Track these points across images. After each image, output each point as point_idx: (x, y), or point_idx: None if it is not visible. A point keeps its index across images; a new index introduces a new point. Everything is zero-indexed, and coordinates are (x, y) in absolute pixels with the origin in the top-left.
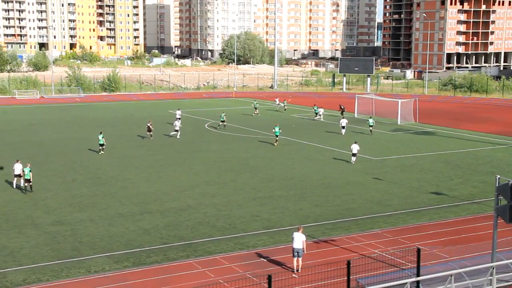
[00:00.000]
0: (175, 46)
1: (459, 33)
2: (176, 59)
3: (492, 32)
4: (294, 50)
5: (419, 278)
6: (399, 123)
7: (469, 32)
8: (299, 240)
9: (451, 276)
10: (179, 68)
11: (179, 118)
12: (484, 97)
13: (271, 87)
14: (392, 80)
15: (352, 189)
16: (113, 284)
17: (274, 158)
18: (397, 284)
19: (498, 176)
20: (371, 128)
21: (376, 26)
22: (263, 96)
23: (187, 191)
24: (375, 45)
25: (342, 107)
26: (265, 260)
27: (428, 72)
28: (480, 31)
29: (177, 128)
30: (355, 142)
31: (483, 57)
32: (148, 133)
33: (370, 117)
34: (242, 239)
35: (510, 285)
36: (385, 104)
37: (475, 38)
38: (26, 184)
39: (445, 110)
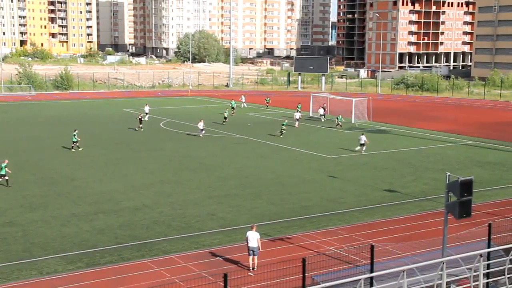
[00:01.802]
0: (130, 44)
1: (410, 33)
2: (131, 57)
3: (442, 33)
4: (250, 48)
5: (372, 275)
6: (353, 122)
7: (420, 32)
8: (253, 238)
9: (403, 271)
10: (133, 66)
11: (147, 113)
12: (435, 96)
13: (227, 85)
14: (346, 79)
15: (307, 187)
16: (66, 286)
17: (230, 157)
18: (351, 281)
19: (448, 173)
20: (340, 123)
21: (330, 26)
22: (218, 94)
23: (142, 190)
24: (330, 45)
25: (324, 108)
26: (221, 259)
27: (381, 71)
28: (431, 31)
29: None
30: (362, 134)
31: (433, 57)
32: (139, 125)
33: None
34: (198, 238)
35: (460, 279)
36: (339, 103)
37: (426, 38)
38: (0, 179)
39: (398, 108)
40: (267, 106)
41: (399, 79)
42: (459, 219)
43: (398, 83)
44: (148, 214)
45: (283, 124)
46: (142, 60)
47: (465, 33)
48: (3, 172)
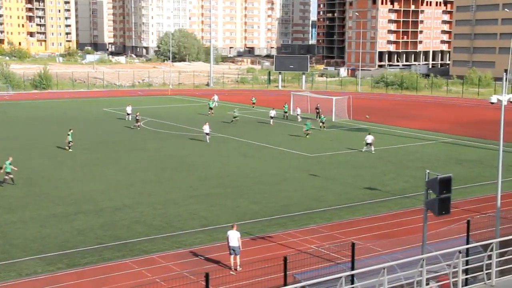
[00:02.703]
0: (109, 43)
1: (390, 32)
2: (110, 56)
3: (421, 32)
4: (230, 47)
5: (353, 272)
6: (333, 120)
7: (399, 31)
8: (234, 238)
9: (383, 269)
10: (113, 65)
11: (129, 114)
12: (414, 94)
13: (207, 84)
14: (327, 77)
15: (288, 186)
16: (46, 287)
17: (211, 156)
18: (333, 278)
19: (428, 171)
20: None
21: (310, 25)
22: (199, 93)
23: (123, 190)
24: (310, 43)
25: (318, 108)
26: (202, 258)
27: (361, 70)
28: (410, 30)
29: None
30: (369, 133)
31: (413, 56)
32: (136, 124)
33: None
34: (179, 238)
35: (439, 276)
36: (319, 101)
37: (405, 37)
38: (6, 177)
39: (378, 107)
40: (253, 106)
41: (379, 77)
42: (438, 216)
43: (378, 82)
44: (128, 214)
45: (306, 124)
46: (122, 59)
47: (443, 32)
48: (8, 170)
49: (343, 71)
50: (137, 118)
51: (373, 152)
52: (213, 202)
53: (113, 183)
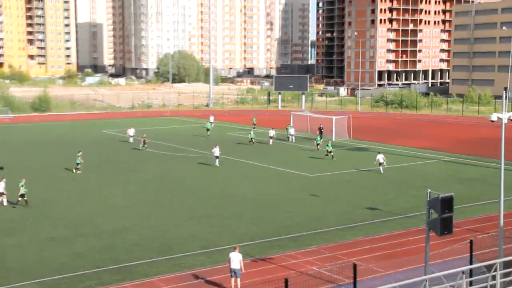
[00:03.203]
0: (109, 65)
1: (389, 51)
2: (110, 78)
3: (420, 50)
4: (229, 68)
5: None
6: (333, 140)
7: (399, 50)
8: (236, 260)
9: None
10: (113, 87)
11: (132, 135)
12: (414, 113)
13: (207, 105)
14: (326, 97)
15: (289, 206)
16: None
17: (211, 177)
18: None
19: (429, 190)
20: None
21: (309, 44)
22: (199, 114)
23: (122, 212)
24: (309, 63)
25: (321, 128)
26: (203, 281)
27: (361, 89)
28: (409, 49)
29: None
30: (379, 153)
31: (412, 74)
32: (144, 145)
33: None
34: (179, 260)
35: None
36: (319, 121)
37: (404, 56)
38: (19, 199)
39: (378, 126)
40: (254, 127)
41: (379, 96)
42: (440, 236)
43: (378, 101)
44: (128, 236)
45: (328, 146)
46: (121, 80)
47: (442, 50)
48: (23, 192)
49: (342, 91)
50: (144, 140)
51: (381, 172)
52: (213, 223)
53: (113, 205)
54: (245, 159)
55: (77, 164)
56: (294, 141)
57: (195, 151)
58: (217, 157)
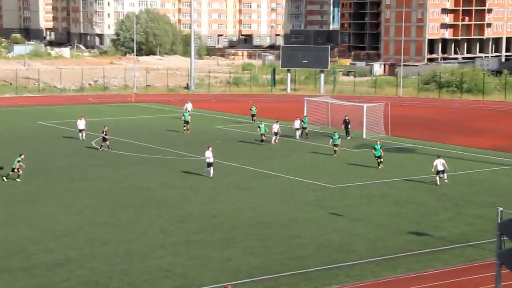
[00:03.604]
0: (47, 29)
1: (444, 11)
2: (49, 47)
3: (490, 10)
4: (219, 35)
5: None
6: (364, 137)
7: (459, 9)
8: None
9: None
10: (53, 61)
11: (83, 129)
12: (480, 99)
13: (187, 87)
14: (355, 77)
15: (301, 230)
16: None
17: (192, 188)
18: None
19: (500, 208)
20: (335, 148)
21: (332, 3)
22: (175, 100)
23: (66, 238)
24: (331, 29)
25: (347, 120)
26: None
27: (404, 65)
28: (474, 8)
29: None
30: (438, 157)
31: (478, 45)
32: (103, 143)
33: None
34: None
35: None
36: (345, 111)
37: (466, 18)
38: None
39: (428, 118)
40: (253, 119)
41: (429, 76)
42: None
43: (428, 82)
44: (74, 271)
45: (375, 148)
46: (65, 51)
47: None
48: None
49: (377, 68)
50: (104, 135)
51: (446, 180)
52: (194, 253)
53: (52, 228)
54: (240, 162)
55: (13, 169)
56: (299, 138)
57: (170, 151)
58: (209, 164)
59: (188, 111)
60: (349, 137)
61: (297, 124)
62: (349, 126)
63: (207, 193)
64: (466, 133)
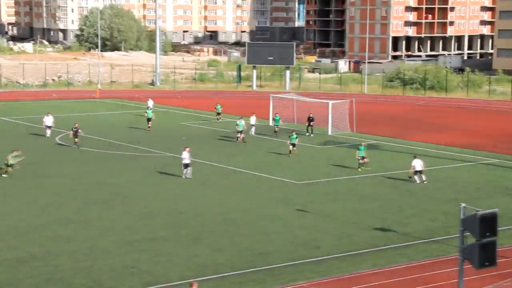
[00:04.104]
0: (9, 24)
1: (408, 9)
2: (11, 42)
3: (452, 8)
4: (184, 31)
5: None
6: (330, 133)
7: (422, 7)
8: None
9: None
10: (15, 56)
11: (50, 126)
12: (443, 96)
13: (152, 83)
14: (320, 74)
15: (267, 226)
16: None
17: (158, 185)
18: None
19: (463, 205)
20: (291, 148)
21: (297, 0)
22: (140, 96)
23: (29, 234)
24: (296, 26)
25: (311, 117)
26: None
27: (368, 62)
28: (436, 6)
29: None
30: (415, 157)
31: (441, 42)
32: (75, 140)
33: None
34: None
35: None
36: (310, 107)
37: (430, 16)
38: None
39: (392, 114)
40: (218, 118)
41: (393, 73)
42: (479, 268)
43: (392, 79)
44: (38, 269)
45: (359, 149)
46: (28, 46)
47: (483, 8)
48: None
49: (343, 65)
50: (76, 131)
51: (424, 182)
52: (160, 250)
53: (15, 225)
54: (206, 159)
55: (7, 166)
56: (254, 134)
57: (136, 148)
58: (186, 165)
59: (150, 108)
60: (312, 135)
61: (252, 120)
62: (312, 124)
63: (173, 189)
64: (429, 130)
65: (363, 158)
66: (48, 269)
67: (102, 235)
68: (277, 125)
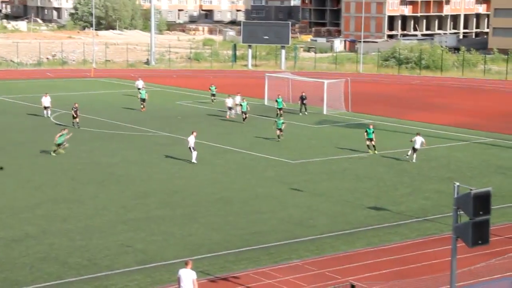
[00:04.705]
0: (3, 2)
1: None
2: (5, 20)
3: None
4: (179, 10)
5: None
6: (325, 113)
7: None
8: (187, 279)
9: None
10: (9, 34)
11: (48, 107)
12: (439, 76)
13: (147, 62)
14: (315, 53)
15: (261, 205)
16: None
17: (153, 164)
18: None
19: (457, 183)
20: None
21: None
22: (135, 75)
23: (24, 214)
24: (292, 4)
25: (303, 97)
26: None
27: (364, 42)
28: None
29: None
30: (418, 134)
31: (436, 22)
32: (74, 120)
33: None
34: (107, 281)
35: None
36: (306, 87)
37: None
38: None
39: (387, 94)
40: (212, 99)
41: (389, 52)
42: (472, 247)
43: (387, 59)
44: (33, 247)
45: (367, 131)
46: (22, 25)
47: None
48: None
49: (338, 44)
50: (75, 111)
51: (414, 161)
52: (155, 229)
53: (9, 204)
54: (201, 138)
55: (57, 145)
56: (235, 114)
57: (131, 127)
58: (192, 148)
59: (143, 88)
60: (306, 113)
61: (237, 99)
62: (305, 102)
63: (168, 169)
64: (424, 109)
65: (371, 140)
66: (43, 247)
67: (97, 214)
68: (280, 108)
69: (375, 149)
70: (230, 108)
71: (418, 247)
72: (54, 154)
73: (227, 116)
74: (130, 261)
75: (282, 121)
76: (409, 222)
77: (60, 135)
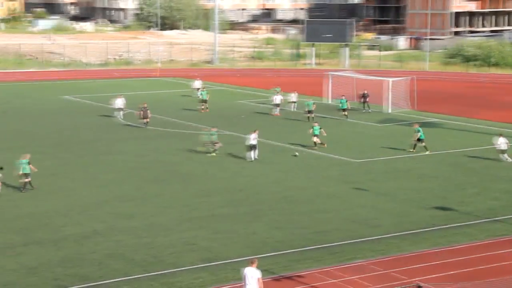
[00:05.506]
0: (71, 3)
1: None
2: (73, 22)
3: None
4: (241, 9)
5: None
6: (389, 111)
7: None
8: (253, 278)
9: None
10: (77, 35)
11: (122, 108)
12: (508, 73)
13: (210, 62)
14: (380, 51)
15: (325, 205)
16: None
17: (216, 163)
18: None
19: None
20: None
21: None
22: (199, 75)
23: (92, 211)
24: (355, 2)
25: (365, 94)
26: None
27: (430, 39)
28: None
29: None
30: (500, 135)
31: (506, 17)
32: (143, 120)
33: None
34: (172, 278)
35: None
36: (369, 85)
37: None
38: (25, 180)
39: (454, 92)
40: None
41: (455, 50)
42: None
43: (454, 56)
44: (100, 244)
45: (416, 131)
46: (88, 26)
47: None
48: (26, 171)
49: (403, 42)
50: (145, 110)
51: (509, 160)
52: (219, 227)
53: (78, 201)
54: (264, 137)
55: (213, 143)
56: (293, 110)
57: (195, 126)
58: (252, 146)
59: (199, 89)
60: (369, 110)
61: (293, 97)
62: (368, 100)
63: (232, 167)
64: (493, 108)
65: (419, 140)
66: (110, 244)
67: (162, 212)
68: (344, 108)
69: (417, 147)
70: (277, 105)
71: (487, 248)
72: (213, 155)
73: (274, 114)
74: (195, 259)
75: (318, 127)
76: (477, 223)
77: (210, 134)
